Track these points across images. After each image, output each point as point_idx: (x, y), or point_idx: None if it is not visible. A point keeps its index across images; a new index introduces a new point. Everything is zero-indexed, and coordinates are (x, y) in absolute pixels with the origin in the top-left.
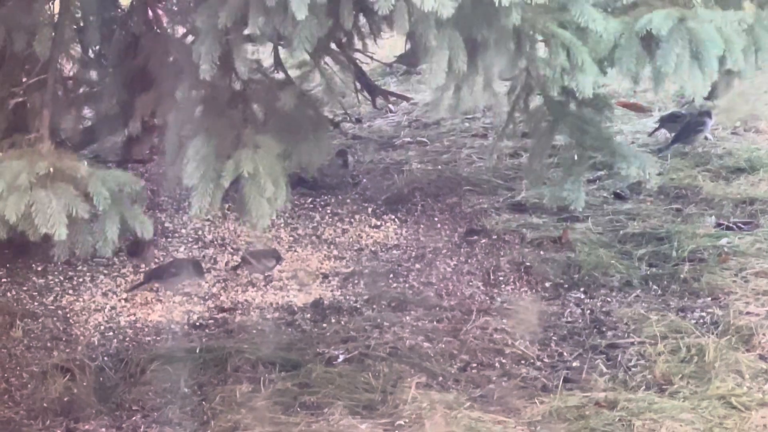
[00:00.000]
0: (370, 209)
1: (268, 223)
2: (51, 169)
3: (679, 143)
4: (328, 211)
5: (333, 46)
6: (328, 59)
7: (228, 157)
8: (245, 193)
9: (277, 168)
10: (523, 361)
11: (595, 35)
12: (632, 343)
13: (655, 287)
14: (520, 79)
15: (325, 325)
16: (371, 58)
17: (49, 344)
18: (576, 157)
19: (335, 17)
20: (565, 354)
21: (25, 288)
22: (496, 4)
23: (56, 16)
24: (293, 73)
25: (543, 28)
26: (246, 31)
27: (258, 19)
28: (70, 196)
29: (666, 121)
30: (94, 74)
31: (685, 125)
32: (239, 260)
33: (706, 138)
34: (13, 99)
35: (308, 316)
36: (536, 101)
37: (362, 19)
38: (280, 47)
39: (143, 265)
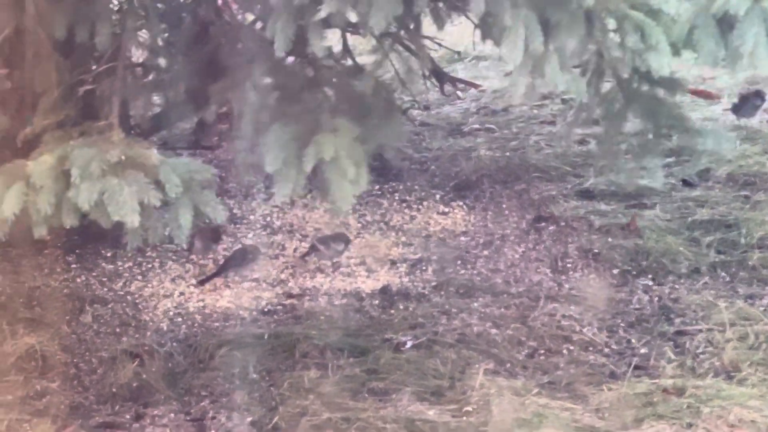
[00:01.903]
0: (438, 196)
1: (350, 205)
2: (123, 157)
3: (738, 116)
4: (396, 198)
5: (402, 32)
6: (397, 46)
7: (307, 142)
8: (327, 178)
9: (357, 150)
10: (590, 348)
11: (668, 17)
12: (700, 330)
13: (723, 274)
14: (591, 62)
15: (393, 311)
16: (439, 44)
17: (118, 330)
18: (651, 136)
19: None
20: (633, 341)
21: (94, 274)
22: None
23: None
24: (362, 59)
25: (615, 9)
26: (321, 13)
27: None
28: (141, 184)
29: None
30: (163, 61)
31: (742, 98)
32: (308, 247)
33: None
34: (83, 86)
35: (376, 302)
36: (608, 83)
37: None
38: (348, 34)
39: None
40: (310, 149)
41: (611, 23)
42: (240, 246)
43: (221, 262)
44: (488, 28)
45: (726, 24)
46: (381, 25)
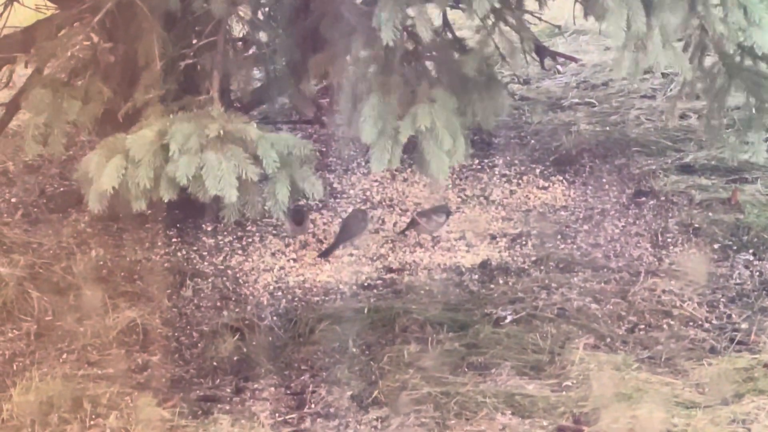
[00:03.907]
0: (537, 170)
1: (447, 176)
2: (221, 132)
3: None
4: (496, 172)
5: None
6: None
7: (404, 112)
8: (423, 148)
9: (454, 121)
10: (691, 323)
11: None
12: None
13: None
14: (694, 37)
15: (492, 285)
16: (539, 18)
17: (218, 304)
18: (754, 111)
19: None
20: (733, 316)
21: (195, 248)
22: None
23: None
24: (461, 33)
25: None
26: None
27: None
28: (240, 159)
29: None
30: (263, 35)
31: None
32: (408, 221)
33: None
34: (183, 61)
35: (476, 276)
36: (711, 59)
37: None
38: (449, 9)
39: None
40: (407, 119)
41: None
42: (347, 214)
43: (337, 233)
44: (591, 5)
45: None
46: (485, 7)
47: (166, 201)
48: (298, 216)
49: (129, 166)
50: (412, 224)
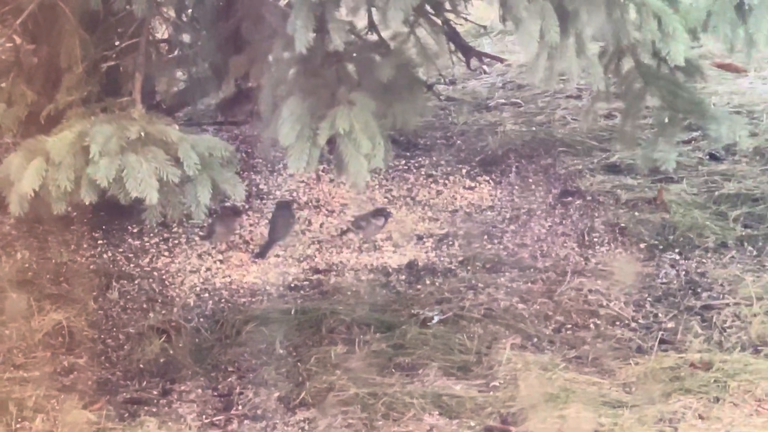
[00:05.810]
0: (464, 171)
1: (366, 180)
2: (142, 134)
3: None
4: (422, 173)
5: (427, 7)
6: (421, 20)
7: (323, 115)
8: (342, 151)
9: (373, 125)
10: (617, 323)
11: (685, 5)
12: (727, 304)
13: (750, 248)
14: (610, 43)
15: (419, 286)
16: (465, 19)
17: (144, 306)
18: (667, 120)
19: None
20: (659, 315)
21: (120, 250)
22: None
23: None
24: (386, 34)
25: None
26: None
27: None
28: (160, 161)
29: None
30: (187, 37)
31: None
32: (346, 227)
33: None
34: (105, 62)
35: (403, 277)
36: (628, 65)
37: None
38: (373, 9)
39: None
40: (325, 122)
41: (631, 10)
42: (273, 213)
43: (267, 231)
44: (507, 12)
45: (742, 11)
46: (399, 17)
47: (87, 203)
48: (228, 218)
49: (50, 168)
50: (353, 227)
